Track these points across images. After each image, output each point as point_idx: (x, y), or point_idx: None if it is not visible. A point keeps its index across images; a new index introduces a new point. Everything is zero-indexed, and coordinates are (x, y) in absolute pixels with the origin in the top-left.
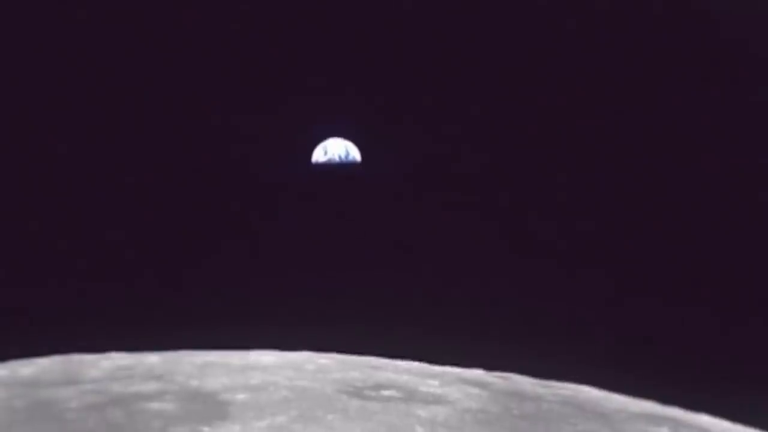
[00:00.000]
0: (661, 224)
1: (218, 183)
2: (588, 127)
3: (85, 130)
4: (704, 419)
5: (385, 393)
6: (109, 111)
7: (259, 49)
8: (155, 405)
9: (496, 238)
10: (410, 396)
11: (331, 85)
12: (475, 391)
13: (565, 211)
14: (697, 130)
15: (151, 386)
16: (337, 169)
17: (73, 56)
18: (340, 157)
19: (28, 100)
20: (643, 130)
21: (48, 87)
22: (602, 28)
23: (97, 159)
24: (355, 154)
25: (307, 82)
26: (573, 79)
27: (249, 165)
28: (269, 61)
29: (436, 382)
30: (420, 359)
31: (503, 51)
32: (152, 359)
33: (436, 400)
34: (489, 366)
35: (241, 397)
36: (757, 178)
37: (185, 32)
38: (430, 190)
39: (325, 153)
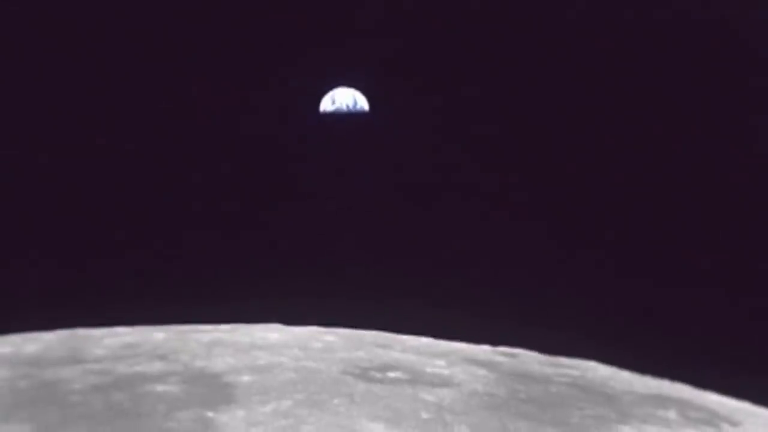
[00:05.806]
0: (669, 202)
1: (221, 151)
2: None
3: (85, 109)
4: (712, 398)
5: (391, 375)
6: (115, 83)
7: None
8: (160, 387)
9: (505, 213)
10: (416, 378)
11: (340, 35)
12: (482, 372)
13: (574, 187)
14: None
15: (155, 366)
16: (345, 119)
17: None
18: (347, 106)
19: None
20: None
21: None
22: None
23: (102, 131)
24: (363, 103)
25: (315, 34)
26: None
27: (257, 128)
28: (278, 12)
29: (442, 362)
30: (427, 334)
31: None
32: (158, 336)
33: (443, 382)
34: (496, 341)
35: (246, 379)
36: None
37: None
38: (443, 158)
39: (333, 102)
